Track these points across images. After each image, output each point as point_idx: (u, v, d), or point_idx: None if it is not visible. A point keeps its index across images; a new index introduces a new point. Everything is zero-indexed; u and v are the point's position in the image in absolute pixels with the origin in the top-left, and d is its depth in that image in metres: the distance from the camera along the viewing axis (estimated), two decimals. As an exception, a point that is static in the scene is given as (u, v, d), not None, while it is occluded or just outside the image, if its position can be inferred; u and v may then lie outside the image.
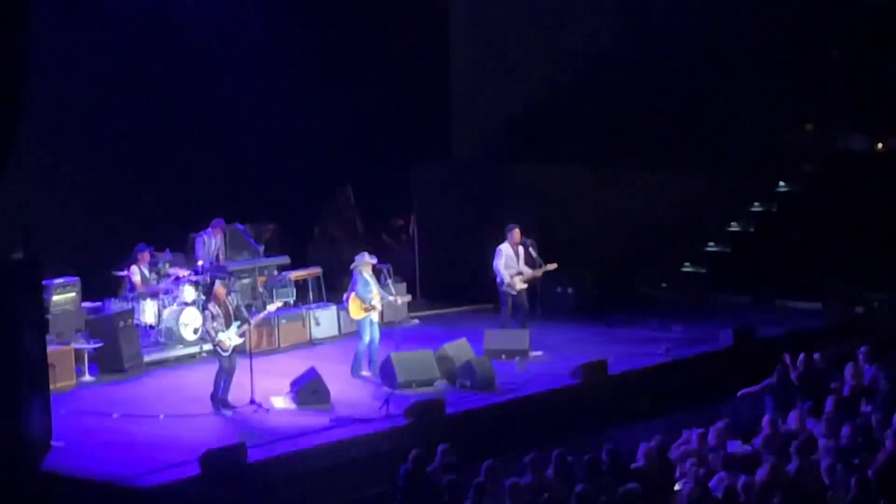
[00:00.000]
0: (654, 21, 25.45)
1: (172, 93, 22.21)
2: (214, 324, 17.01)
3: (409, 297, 20.05)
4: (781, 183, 25.72)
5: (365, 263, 18.73)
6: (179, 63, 22.31)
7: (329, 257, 23.52)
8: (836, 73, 26.23)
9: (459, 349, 18.72)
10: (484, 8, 25.53)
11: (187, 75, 22.37)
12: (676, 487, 13.33)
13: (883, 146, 26.25)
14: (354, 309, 18.70)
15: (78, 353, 18.63)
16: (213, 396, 17.17)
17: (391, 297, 19.18)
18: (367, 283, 18.65)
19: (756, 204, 25.79)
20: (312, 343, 21.03)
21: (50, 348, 17.09)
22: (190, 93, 22.35)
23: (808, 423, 15.13)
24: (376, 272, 19.16)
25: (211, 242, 21.03)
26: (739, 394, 17.35)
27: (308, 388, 17.32)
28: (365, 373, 18.69)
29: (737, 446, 14.42)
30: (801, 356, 17.38)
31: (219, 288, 17.50)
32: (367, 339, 18.66)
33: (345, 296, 19.04)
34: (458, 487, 12.90)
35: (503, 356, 19.31)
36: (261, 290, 21.31)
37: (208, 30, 22.57)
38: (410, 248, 24.45)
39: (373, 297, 18.57)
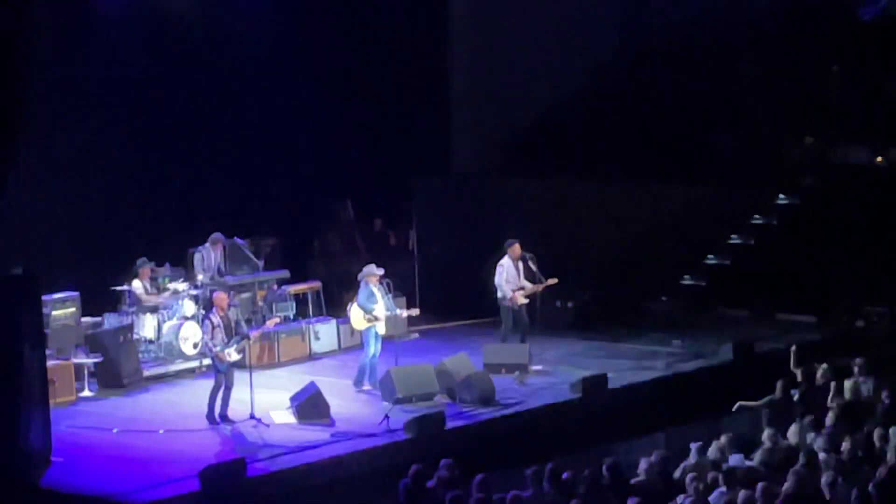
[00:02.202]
0: (654, 35, 25.45)
1: (171, 107, 22.22)
2: (215, 338, 16.98)
3: (417, 311, 20.01)
4: (782, 196, 25.68)
5: (372, 274, 18.71)
6: (178, 77, 22.31)
7: (329, 271, 23.54)
8: (836, 86, 26.20)
9: (459, 363, 18.69)
10: (484, 22, 25.54)
11: (186, 89, 22.38)
12: (677, 502, 13.29)
13: (883, 159, 26.21)
14: (356, 319, 18.68)
15: (77, 368, 18.63)
16: (209, 414, 17.13)
17: (398, 311, 19.15)
18: (371, 295, 18.60)
19: (756, 216, 25.74)
20: (312, 357, 21.02)
21: (49, 363, 17.09)
22: (189, 107, 22.37)
23: (809, 437, 15.12)
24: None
25: (210, 257, 21.00)
26: (736, 406, 17.33)
27: (308, 403, 17.30)
28: (366, 386, 18.67)
29: (737, 461, 14.40)
30: (801, 370, 17.40)
31: (221, 296, 17.43)
32: (372, 350, 18.62)
33: (348, 306, 19.04)
34: (458, 502, 12.86)
35: (503, 370, 19.29)
36: (260, 304, 21.30)
37: (207, 45, 22.59)
38: (410, 262, 24.42)
39: (375, 309, 18.55)
